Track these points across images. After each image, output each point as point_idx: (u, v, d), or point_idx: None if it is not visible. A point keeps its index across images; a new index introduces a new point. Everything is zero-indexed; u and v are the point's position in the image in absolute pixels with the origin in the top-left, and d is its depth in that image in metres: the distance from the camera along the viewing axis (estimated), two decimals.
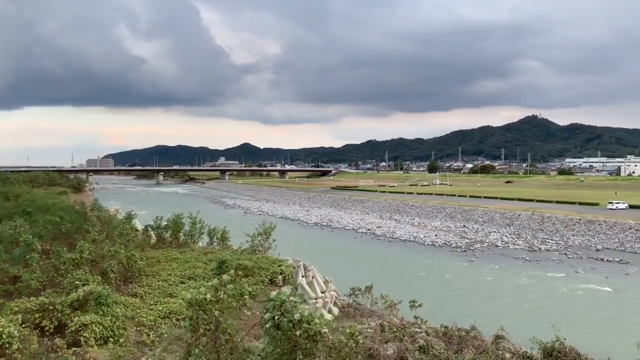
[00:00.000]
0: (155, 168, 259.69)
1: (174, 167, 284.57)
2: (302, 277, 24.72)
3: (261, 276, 23.96)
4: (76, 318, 14.16)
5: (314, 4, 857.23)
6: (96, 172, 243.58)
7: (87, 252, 21.12)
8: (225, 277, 8.06)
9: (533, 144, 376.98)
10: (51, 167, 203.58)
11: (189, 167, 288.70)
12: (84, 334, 13.64)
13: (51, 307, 14.70)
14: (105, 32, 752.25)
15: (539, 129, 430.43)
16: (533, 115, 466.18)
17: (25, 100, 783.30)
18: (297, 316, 7.41)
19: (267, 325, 7.38)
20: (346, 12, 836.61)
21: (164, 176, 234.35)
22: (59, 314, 14.66)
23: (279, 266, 25.82)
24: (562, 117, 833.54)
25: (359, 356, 12.02)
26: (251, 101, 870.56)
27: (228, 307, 8.15)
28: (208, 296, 7.66)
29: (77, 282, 17.18)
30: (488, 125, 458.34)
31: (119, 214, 57.51)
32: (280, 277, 24.70)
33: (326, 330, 7.88)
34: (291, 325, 7.44)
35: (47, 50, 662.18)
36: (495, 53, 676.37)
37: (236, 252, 29.78)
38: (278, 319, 7.35)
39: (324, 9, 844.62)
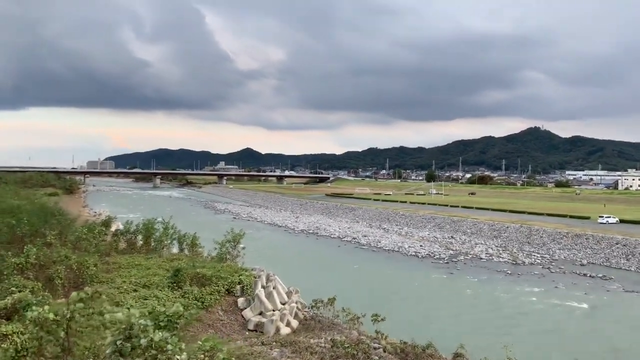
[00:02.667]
0: (152, 171, 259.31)
1: (172, 171, 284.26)
2: (262, 287, 23.97)
3: (218, 286, 23.24)
4: None
5: (318, 12, 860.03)
6: (94, 174, 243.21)
7: (34, 256, 20.43)
8: (74, 294, 7.35)
9: (535, 155, 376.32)
10: (51, 168, 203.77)
11: (186, 171, 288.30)
12: (2, 345, 12.97)
13: None
14: (110, 35, 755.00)
15: (541, 141, 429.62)
16: (536, 126, 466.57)
17: (30, 100, 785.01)
18: (143, 342, 6.69)
19: (108, 351, 6.66)
20: (351, 20, 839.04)
21: (161, 179, 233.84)
22: None
23: (240, 276, 25.11)
24: (564, 129, 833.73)
25: None
26: (254, 106, 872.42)
27: (84, 327, 7.45)
28: (51, 315, 6.95)
29: (14, 289, 16.48)
30: (490, 136, 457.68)
31: (99, 217, 56.99)
32: (238, 287, 24.01)
33: (184, 357, 7.13)
34: (139, 352, 6.73)
35: (52, 51, 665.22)
36: (499, 63, 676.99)
37: (203, 260, 29.12)
38: (120, 344, 6.64)
39: (329, 16, 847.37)
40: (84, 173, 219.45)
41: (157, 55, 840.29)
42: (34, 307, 7.31)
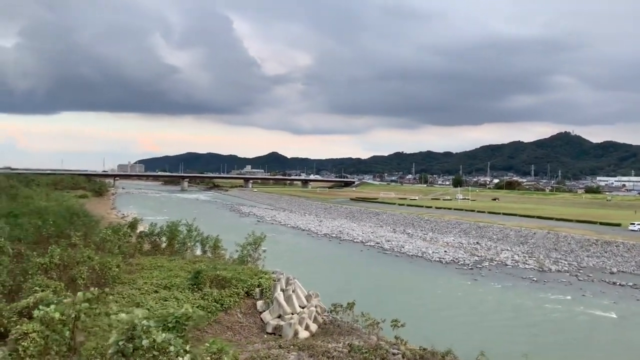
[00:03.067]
0: (180, 174, 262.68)
1: (199, 174, 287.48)
2: (281, 290, 24.00)
3: (237, 288, 23.34)
4: (18, 326, 13.75)
5: (345, 17, 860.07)
6: (123, 177, 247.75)
7: (57, 257, 20.82)
8: (79, 295, 7.44)
9: (565, 160, 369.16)
10: (83, 170, 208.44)
11: (214, 175, 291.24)
12: (23, 343, 13.23)
13: None
14: (140, 41, 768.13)
15: (572, 146, 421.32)
16: (566, 131, 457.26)
17: (63, 105, 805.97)
18: (145, 342, 6.72)
19: (110, 351, 6.72)
20: (377, 25, 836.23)
21: (189, 183, 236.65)
22: (5, 321, 14.24)
23: (259, 278, 25.18)
24: (596, 135, 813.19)
25: None
26: (281, 111, 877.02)
27: (90, 327, 7.55)
28: (57, 315, 7.05)
29: (37, 289, 16.81)
30: (519, 141, 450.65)
31: (126, 219, 57.83)
32: (257, 289, 24.08)
33: (187, 358, 7.15)
34: (141, 353, 6.77)
35: (85, 57, 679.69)
36: (528, 68, 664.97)
37: (224, 262, 29.30)
38: (122, 344, 6.68)
39: (356, 21, 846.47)
40: (114, 176, 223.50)
41: (186, 61, 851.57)
42: (40, 307, 7.44)
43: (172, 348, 6.95)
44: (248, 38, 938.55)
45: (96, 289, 8.39)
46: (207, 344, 8.92)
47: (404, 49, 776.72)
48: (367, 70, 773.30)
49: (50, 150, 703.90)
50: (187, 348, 7.56)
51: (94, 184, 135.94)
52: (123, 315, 7.04)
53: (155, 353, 6.77)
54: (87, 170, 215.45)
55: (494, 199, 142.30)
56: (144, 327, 6.86)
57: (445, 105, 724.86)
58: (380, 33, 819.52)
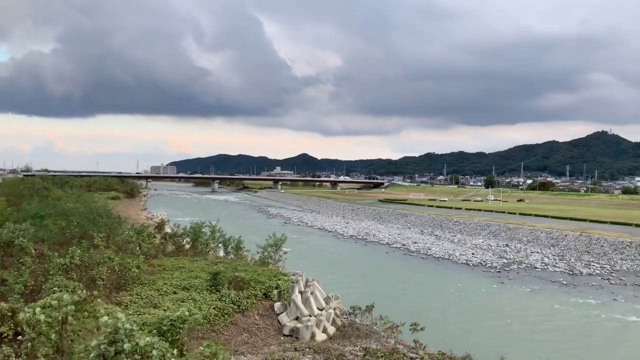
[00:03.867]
0: (211, 176, 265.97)
1: (229, 176, 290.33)
2: (299, 292, 23.88)
3: (255, 290, 23.35)
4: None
5: (375, 17, 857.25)
6: (155, 178, 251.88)
7: (78, 257, 21.16)
8: (66, 297, 7.43)
9: (602, 160, 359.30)
10: (117, 172, 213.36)
11: (243, 176, 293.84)
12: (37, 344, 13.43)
13: (9, 314, 14.54)
14: (173, 44, 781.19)
15: (609, 146, 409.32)
16: (603, 130, 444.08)
17: (98, 108, 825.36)
18: (127, 346, 6.68)
19: (92, 355, 6.68)
20: (408, 24, 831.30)
21: (219, 184, 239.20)
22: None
23: (278, 280, 25.13)
24: (635, 133, 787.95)
25: None
26: (311, 113, 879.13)
27: (78, 330, 7.54)
28: (42, 317, 7.06)
29: (56, 289, 17.08)
30: (554, 141, 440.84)
31: (154, 220, 58.62)
32: (275, 291, 24.02)
33: None
34: (123, 357, 6.72)
35: (119, 61, 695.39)
36: (563, 66, 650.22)
37: (246, 264, 29.39)
38: (104, 348, 6.65)
39: (385, 21, 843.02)
40: (147, 177, 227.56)
41: (218, 63, 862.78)
42: (26, 309, 7.47)
43: (155, 352, 6.88)
44: (278, 39, 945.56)
45: (84, 291, 8.39)
46: (202, 348, 8.85)
47: (435, 48, 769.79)
48: (398, 70, 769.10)
49: (86, 152, 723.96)
50: (175, 352, 7.47)
51: (127, 185, 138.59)
52: (106, 319, 7.01)
53: (137, 357, 6.71)
54: (121, 172, 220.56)
55: (519, 200, 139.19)
56: (127, 331, 6.81)
57: (478, 105, 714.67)
58: (410, 32, 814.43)
